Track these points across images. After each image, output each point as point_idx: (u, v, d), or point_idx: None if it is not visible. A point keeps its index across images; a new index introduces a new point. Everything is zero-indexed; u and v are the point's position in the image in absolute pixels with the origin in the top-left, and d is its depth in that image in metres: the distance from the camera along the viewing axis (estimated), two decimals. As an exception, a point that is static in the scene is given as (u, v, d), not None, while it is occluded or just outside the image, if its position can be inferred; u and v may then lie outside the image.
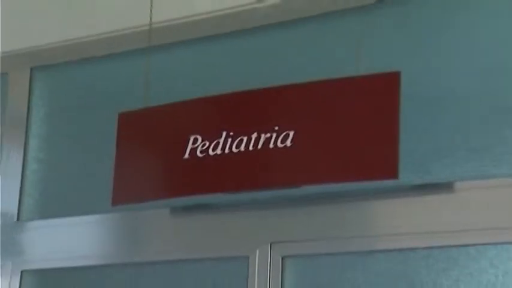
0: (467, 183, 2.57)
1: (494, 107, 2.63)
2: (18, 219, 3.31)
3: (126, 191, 2.88)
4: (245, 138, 2.69)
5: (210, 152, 2.73)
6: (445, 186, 2.61)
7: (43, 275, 3.23)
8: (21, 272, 3.21)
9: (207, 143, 2.74)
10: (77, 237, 3.16)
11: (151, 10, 2.92)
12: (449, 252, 2.55)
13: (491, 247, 2.51)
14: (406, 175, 2.56)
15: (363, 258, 2.72)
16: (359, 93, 2.60)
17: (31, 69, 3.48)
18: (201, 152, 2.74)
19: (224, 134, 2.72)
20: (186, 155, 2.77)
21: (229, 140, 2.72)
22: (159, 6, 2.89)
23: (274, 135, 2.64)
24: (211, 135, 2.74)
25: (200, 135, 2.75)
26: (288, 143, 2.61)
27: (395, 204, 2.66)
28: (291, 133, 2.61)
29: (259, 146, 2.66)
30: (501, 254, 2.49)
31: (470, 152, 2.62)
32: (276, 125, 2.65)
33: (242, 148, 2.69)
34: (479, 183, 2.55)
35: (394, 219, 2.67)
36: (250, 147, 2.68)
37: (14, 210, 3.32)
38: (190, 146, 2.78)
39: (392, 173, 2.43)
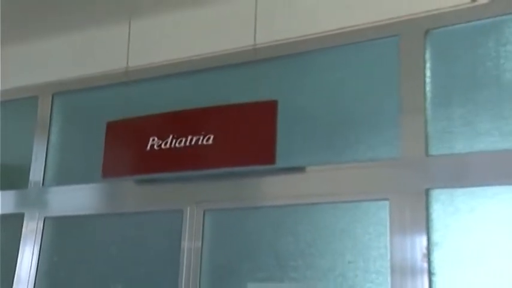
0: (318, 167, 3.08)
1: (335, 121, 3.10)
2: (43, 184, 3.81)
3: (111, 170, 3.47)
4: (184, 139, 3.30)
5: (162, 146, 3.34)
6: (300, 169, 3.13)
7: (59, 220, 3.73)
8: (44, 218, 3.70)
9: (161, 141, 3.35)
10: (80, 197, 3.67)
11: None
12: (305, 203, 3.06)
13: (330, 205, 2.99)
14: (279, 162, 3.09)
15: (256, 211, 3.20)
16: (250, 113, 3.22)
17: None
18: (157, 146, 3.36)
19: (171, 136, 3.31)
20: (148, 148, 3.37)
21: (174, 140, 3.33)
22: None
23: (202, 137, 3.25)
24: (163, 137, 3.35)
25: (156, 136, 3.35)
26: (210, 142, 3.22)
27: (274, 178, 3.16)
28: (212, 136, 3.20)
29: (193, 143, 3.28)
30: (335, 211, 2.98)
31: (319, 146, 3.12)
32: (202, 131, 3.25)
33: (182, 145, 3.30)
34: (324, 167, 3.07)
35: (274, 188, 3.18)
36: (187, 144, 3.30)
37: (40, 178, 3.81)
38: (150, 143, 3.38)
39: (271, 160, 3.08)
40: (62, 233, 3.74)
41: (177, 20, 3.64)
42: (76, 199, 3.69)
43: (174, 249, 3.32)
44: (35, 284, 3.68)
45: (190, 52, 3.50)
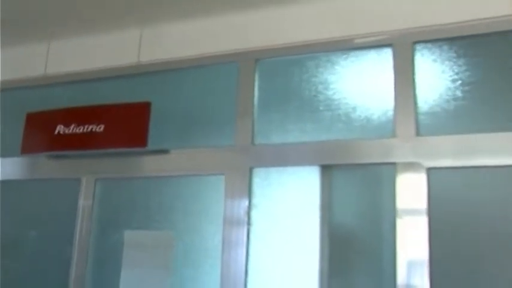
0: (179, 150, 3.39)
1: (193, 119, 3.38)
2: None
3: (28, 148, 3.70)
4: (82, 127, 3.57)
5: (66, 132, 3.61)
6: (166, 151, 3.45)
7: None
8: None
9: (65, 128, 3.60)
10: (5, 167, 3.86)
11: None
12: (168, 176, 3.38)
13: (186, 178, 3.36)
14: (150, 145, 3.42)
15: (133, 181, 3.50)
16: (131, 110, 3.49)
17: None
18: (62, 132, 3.62)
19: (73, 124, 3.57)
20: (56, 133, 3.61)
21: (75, 127, 3.58)
22: None
23: (95, 126, 3.52)
24: (67, 125, 3.59)
25: (62, 125, 3.60)
26: (102, 129, 3.50)
27: (146, 157, 3.45)
28: (103, 126, 3.49)
29: (89, 130, 3.56)
30: (189, 182, 3.33)
31: (180, 136, 3.40)
32: (96, 122, 3.52)
33: (81, 131, 3.57)
34: (183, 150, 3.38)
35: (146, 164, 3.46)
36: (85, 131, 3.56)
37: None
38: (57, 129, 3.62)
39: (143, 144, 3.41)
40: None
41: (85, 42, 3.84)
42: (2, 168, 3.89)
43: (73, 207, 3.60)
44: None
45: (95, 65, 3.76)
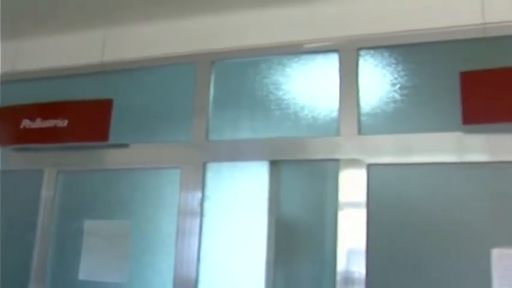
0: (138, 145, 3.45)
1: (153, 116, 3.44)
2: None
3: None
4: (47, 121, 3.56)
5: (32, 126, 3.61)
6: (126, 145, 3.49)
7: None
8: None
9: (30, 123, 3.60)
10: None
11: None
12: (128, 168, 3.42)
13: (145, 170, 3.40)
14: (111, 139, 3.46)
15: (93, 173, 3.56)
16: (94, 106, 3.52)
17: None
18: (28, 126, 3.61)
19: (38, 119, 3.57)
20: (21, 127, 3.62)
21: (40, 122, 3.59)
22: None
23: (59, 120, 3.54)
24: (33, 119, 3.59)
25: (28, 119, 3.61)
26: (65, 124, 3.52)
27: (107, 151, 3.48)
28: (67, 120, 3.52)
29: (53, 125, 3.56)
30: (147, 174, 3.38)
31: (140, 131, 3.44)
32: (60, 116, 3.53)
33: (45, 125, 3.58)
34: (142, 145, 3.44)
35: (106, 157, 3.51)
36: (49, 125, 3.57)
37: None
38: (23, 123, 3.62)
39: (105, 139, 3.45)
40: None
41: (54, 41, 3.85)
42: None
43: (36, 197, 3.64)
44: None
45: (61, 63, 3.78)
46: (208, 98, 3.40)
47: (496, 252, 2.65)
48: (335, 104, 3.15)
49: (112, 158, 3.53)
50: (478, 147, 2.83)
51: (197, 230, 3.22)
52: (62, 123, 3.55)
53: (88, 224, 3.46)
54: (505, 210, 2.75)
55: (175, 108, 3.48)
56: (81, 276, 3.41)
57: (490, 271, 2.65)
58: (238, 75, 3.41)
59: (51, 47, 3.83)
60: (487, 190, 2.80)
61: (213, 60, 3.46)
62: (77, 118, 3.53)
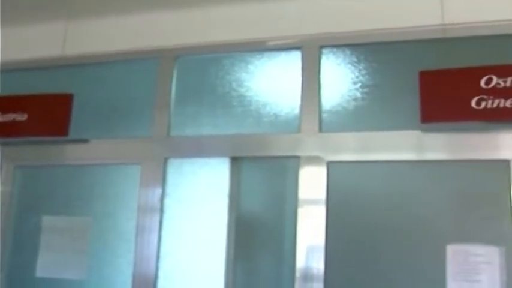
0: (98, 140, 3.44)
1: (114, 111, 3.42)
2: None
3: None
4: (6, 115, 3.58)
5: None
6: (86, 140, 3.47)
7: None
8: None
9: None
10: None
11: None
12: (88, 164, 3.40)
13: (104, 166, 3.38)
14: (71, 135, 3.45)
15: (52, 168, 3.51)
16: (54, 101, 3.50)
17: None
18: None
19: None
20: None
21: (0, 115, 3.57)
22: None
23: (18, 115, 3.54)
24: None
25: None
26: (25, 118, 3.51)
27: (66, 146, 3.45)
28: (26, 115, 3.52)
29: (12, 119, 3.57)
30: (107, 170, 3.38)
31: (100, 127, 3.43)
32: (19, 111, 3.53)
33: (4, 120, 3.58)
34: (103, 140, 3.43)
35: (66, 152, 3.46)
36: (9, 119, 3.56)
37: None
38: None
39: (65, 133, 3.44)
40: None
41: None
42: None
43: None
44: None
45: (21, 56, 3.73)
46: (170, 94, 3.40)
47: (450, 249, 2.71)
48: (297, 101, 3.18)
49: (72, 153, 3.51)
50: (437, 145, 2.89)
51: (157, 226, 3.22)
52: (21, 117, 3.53)
53: (46, 220, 3.43)
54: (461, 207, 2.81)
55: (137, 104, 3.47)
56: (39, 273, 3.39)
57: (445, 267, 2.71)
58: (201, 72, 3.42)
59: (11, 39, 3.78)
60: (445, 188, 2.86)
61: (176, 56, 3.46)
62: (36, 112, 3.51)
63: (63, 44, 3.67)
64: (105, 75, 3.60)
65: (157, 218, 3.24)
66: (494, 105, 2.78)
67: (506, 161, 2.77)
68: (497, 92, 2.78)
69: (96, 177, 3.44)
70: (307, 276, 2.92)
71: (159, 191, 3.27)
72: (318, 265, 2.92)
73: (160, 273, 3.18)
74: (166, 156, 3.31)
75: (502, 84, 2.79)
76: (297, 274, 2.94)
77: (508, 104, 2.77)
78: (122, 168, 3.40)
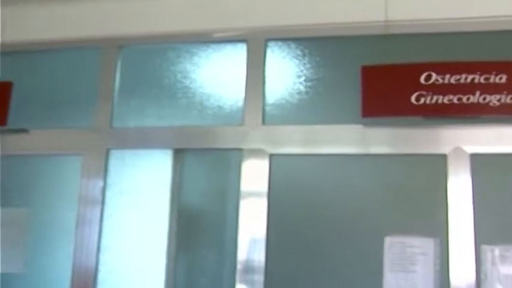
0: (39, 130, 3.38)
1: (57, 102, 3.40)
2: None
3: None
4: None
5: None
6: (26, 130, 3.40)
7: None
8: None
9: None
10: None
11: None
12: (29, 154, 3.32)
13: (48, 157, 3.34)
14: (10, 124, 3.37)
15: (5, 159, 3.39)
16: None
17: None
18: None
19: None
20: None
21: None
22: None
23: None
24: None
25: None
26: None
27: (5, 136, 3.36)
28: None
29: None
30: (51, 160, 3.33)
31: (41, 117, 3.38)
32: None
33: None
34: (43, 130, 3.38)
35: (5, 143, 3.37)
36: None
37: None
38: None
39: (2, 122, 3.39)
40: None
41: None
42: None
43: None
44: None
45: None
46: (114, 84, 3.39)
47: (388, 240, 2.80)
48: (241, 93, 3.21)
49: (10, 143, 3.44)
50: (378, 139, 2.97)
51: (98, 218, 3.21)
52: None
53: (-17, 212, 3.36)
54: (400, 200, 2.91)
55: (79, 94, 3.44)
56: (-26, 266, 3.34)
57: (383, 258, 2.80)
58: (146, 62, 3.42)
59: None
60: (385, 181, 2.95)
61: (120, 46, 3.45)
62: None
63: (3, 30, 3.59)
64: (47, 64, 3.56)
65: (98, 209, 3.22)
66: (433, 101, 2.87)
67: (443, 156, 2.86)
68: (436, 89, 2.87)
69: (36, 168, 3.41)
70: (249, 268, 2.96)
71: (100, 182, 3.26)
72: (259, 257, 2.97)
73: (101, 266, 3.17)
74: (108, 148, 3.30)
75: (441, 81, 2.88)
76: (239, 266, 2.98)
77: (445, 100, 2.86)
78: (63, 159, 3.38)
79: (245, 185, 3.06)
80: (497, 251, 2.67)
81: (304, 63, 3.22)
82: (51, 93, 3.49)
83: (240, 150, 3.11)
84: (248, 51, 3.26)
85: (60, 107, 3.45)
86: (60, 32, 3.53)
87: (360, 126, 2.99)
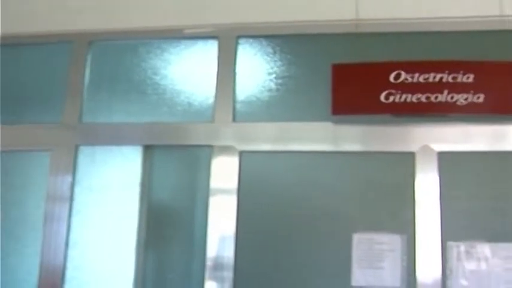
0: (5, 126, 3.30)
1: (25, 97, 3.38)
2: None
3: None
4: None
5: None
6: None
7: None
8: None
9: None
10: None
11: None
12: (4, 154, 3.27)
13: (18, 152, 3.30)
14: None
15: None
16: None
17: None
18: None
19: None
20: None
21: None
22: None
23: None
24: None
25: None
26: None
27: None
28: None
29: None
30: (20, 156, 3.30)
31: (9, 113, 3.35)
32: None
33: None
34: (13, 126, 3.33)
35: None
36: None
37: None
38: None
39: None
40: None
41: None
42: None
43: None
44: None
45: None
46: (83, 80, 3.37)
47: (356, 237, 2.84)
48: (211, 90, 3.22)
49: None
50: (348, 137, 3.02)
51: (66, 215, 3.19)
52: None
53: None
54: (368, 197, 2.95)
55: (48, 89, 3.42)
56: None
57: (351, 254, 2.85)
58: (116, 58, 3.41)
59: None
60: (354, 178, 3.00)
61: (90, 41, 3.43)
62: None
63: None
64: (14, 58, 3.52)
65: (66, 206, 3.20)
66: (402, 99, 2.92)
67: (412, 153, 2.91)
68: (405, 87, 2.92)
69: (3, 164, 3.36)
70: (218, 265, 2.98)
71: (69, 178, 3.24)
72: (229, 254, 2.98)
73: (69, 263, 3.16)
74: (77, 143, 3.29)
75: (410, 79, 2.93)
76: (208, 263, 2.99)
77: (414, 99, 2.92)
78: (30, 155, 3.35)
79: (215, 182, 3.07)
80: (462, 247, 2.73)
81: (275, 61, 3.24)
82: (19, 88, 3.46)
83: (210, 147, 3.12)
84: (219, 48, 3.28)
85: (28, 102, 3.42)
86: (29, 27, 3.50)
87: (329, 124, 3.02)
